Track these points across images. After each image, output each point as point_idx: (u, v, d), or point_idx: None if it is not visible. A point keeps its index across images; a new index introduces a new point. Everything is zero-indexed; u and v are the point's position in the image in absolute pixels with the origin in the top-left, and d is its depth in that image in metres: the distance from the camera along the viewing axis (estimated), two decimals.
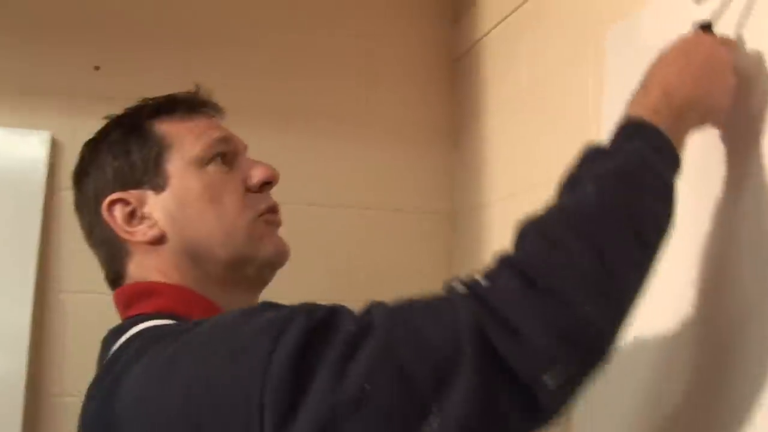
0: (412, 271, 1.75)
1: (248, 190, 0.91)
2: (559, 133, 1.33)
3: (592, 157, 0.73)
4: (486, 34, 1.70)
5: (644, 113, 0.74)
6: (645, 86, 0.78)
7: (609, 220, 0.67)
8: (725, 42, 0.84)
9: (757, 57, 0.84)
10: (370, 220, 1.78)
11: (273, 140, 1.67)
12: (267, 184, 0.93)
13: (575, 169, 0.73)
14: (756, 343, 0.77)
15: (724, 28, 0.85)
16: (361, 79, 1.81)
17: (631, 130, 0.74)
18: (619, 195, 0.69)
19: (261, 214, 0.91)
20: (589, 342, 0.64)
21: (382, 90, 1.83)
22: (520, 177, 1.49)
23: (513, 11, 1.56)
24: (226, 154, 0.91)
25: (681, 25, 0.93)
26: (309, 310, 0.68)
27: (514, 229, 0.69)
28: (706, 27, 0.85)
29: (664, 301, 0.87)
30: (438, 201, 1.83)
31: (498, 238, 1.54)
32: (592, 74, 1.19)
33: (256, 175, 0.92)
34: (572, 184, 0.72)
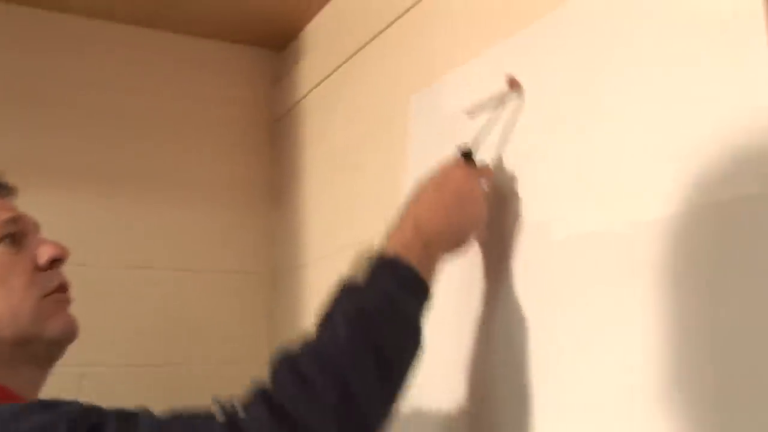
0: (233, 331, 1.73)
1: (38, 269, 0.94)
2: (372, 195, 1.35)
3: (346, 294, 0.81)
4: (305, 96, 1.72)
5: (397, 249, 0.83)
6: (400, 222, 0.86)
7: (355, 358, 0.75)
8: (480, 170, 0.92)
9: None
10: (192, 282, 1.72)
11: (91, 203, 1.62)
12: (56, 261, 0.96)
13: (330, 306, 0.80)
14: None
15: (487, 148, 0.96)
16: (180, 141, 1.77)
17: (384, 267, 0.82)
18: (364, 334, 0.76)
19: (50, 293, 0.94)
20: None
21: (201, 151, 1.79)
22: (336, 237, 1.50)
23: (330, 74, 1.59)
24: (14, 235, 0.93)
25: (479, 92, 0.99)
26: (73, 419, 0.71)
27: (270, 360, 0.77)
28: (466, 154, 0.93)
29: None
30: (258, 261, 1.81)
31: (315, 297, 1.53)
32: (401, 137, 1.23)
33: (45, 254, 0.94)
34: (325, 321, 0.79)
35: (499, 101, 0.97)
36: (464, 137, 0.99)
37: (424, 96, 1.15)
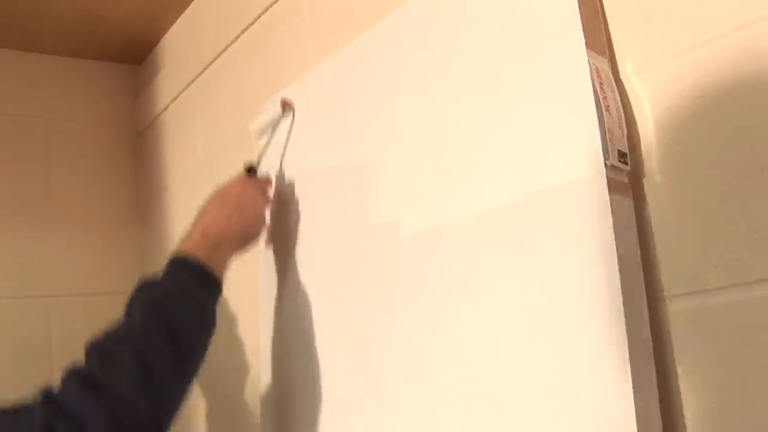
0: None
1: None
2: None
3: (144, 288, 0.94)
4: (165, 109, 1.69)
5: (187, 249, 0.97)
6: (191, 229, 1.01)
7: (148, 334, 0.87)
8: (260, 181, 1.09)
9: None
10: (64, 308, 1.66)
11: None
12: None
13: (131, 299, 0.93)
14: None
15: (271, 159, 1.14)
16: (38, 163, 1.70)
17: (176, 264, 0.96)
18: (157, 315, 0.89)
19: None
20: (141, 426, 0.82)
21: (64, 171, 1.73)
22: None
23: (188, 85, 1.58)
24: None
25: (320, 100, 1.01)
26: None
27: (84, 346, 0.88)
28: (250, 169, 1.10)
29: None
30: (129, 281, 1.74)
31: None
32: (257, 146, 1.23)
33: None
34: (127, 310, 0.92)
35: (277, 120, 1.13)
36: (310, 146, 1.07)
37: (274, 103, 1.16)
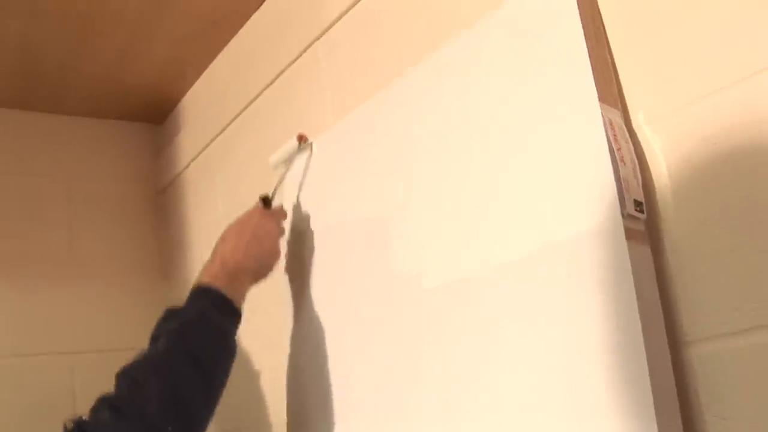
0: None
1: None
2: None
3: (167, 316, 0.99)
4: (186, 167, 1.72)
5: (207, 280, 1.01)
6: (210, 260, 1.05)
7: (174, 360, 0.92)
8: (275, 212, 1.13)
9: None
10: (88, 364, 1.67)
11: None
12: None
13: (156, 328, 0.98)
14: None
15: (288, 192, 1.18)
16: (62, 222, 1.74)
17: (197, 293, 1.00)
18: (181, 341, 0.94)
19: None
20: None
21: (85, 229, 1.76)
22: None
23: (209, 143, 1.61)
24: None
25: (340, 154, 1.04)
26: None
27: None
28: (265, 200, 1.14)
29: None
30: None
31: None
32: (279, 201, 1.25)
33: None
34: (153, 338, 0.97)
35: (293, 153, 1.17)
36: (331, 196, 1.08)
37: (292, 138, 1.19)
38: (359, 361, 1.00)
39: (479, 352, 0.80)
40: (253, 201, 1.41)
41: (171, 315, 0.99)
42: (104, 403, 0.89)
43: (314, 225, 1.13)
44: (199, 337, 0.95)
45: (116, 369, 1.69)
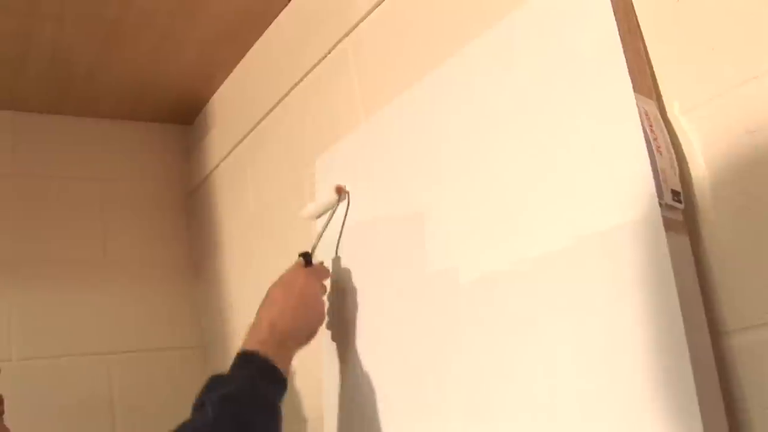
0: (175, 409, 1.67)
1: None
2: (289, 257, 1.36)
3: (214, 384, 0.95)
4: (216, 167, 1.74)
5: (255, 346, 0.98)
6: (257, 323, 1.03)
7: (221, 428, 0.87)
8: (317, 271, 1.11)
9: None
10: (124, 364, 1.70)
11: (11, 294, 1.59)
12: None
13: (201, 394, 0.94)
14: None
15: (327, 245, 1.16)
16: (96, 224, 1.76)
17: (245, 360, 0.97)
18: (228, 409, 0.89)
19: None
20: None
21: (118, 231, 1.78)
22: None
23: (239, 142, 1.62)
24: None
25: (372, 152, 1.04)
26: None
27: None
28: (305, 256, 1.11)
29: None
30: (187, 336, 1.80)
31: None
32: (310, 199, 1.26)
33: None
34: (197, 406, 0.93)
35: (333, 205, 1.14)
36: (360, 194, 1.08)
37: (326, 157, 1.19)
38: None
39: (516, 347, 0.80)
40: (282, 201, 1.43)
41: (217, 381, 0.96)
42: None
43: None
44: (245, 406, 0.92)
45: (151, 368, 1.75)
